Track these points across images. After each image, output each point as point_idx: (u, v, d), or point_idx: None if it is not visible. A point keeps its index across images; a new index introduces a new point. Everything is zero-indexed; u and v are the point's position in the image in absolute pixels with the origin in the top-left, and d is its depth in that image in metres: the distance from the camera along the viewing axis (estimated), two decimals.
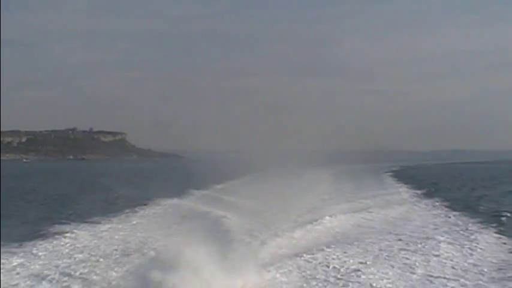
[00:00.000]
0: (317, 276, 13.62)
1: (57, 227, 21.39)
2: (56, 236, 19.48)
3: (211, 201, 30.83)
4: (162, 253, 13.79)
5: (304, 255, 15.68)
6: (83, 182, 56.46)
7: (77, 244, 18.25)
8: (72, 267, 14.85)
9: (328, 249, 16.56)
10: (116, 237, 19.65)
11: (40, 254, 16.60)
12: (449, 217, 24.33)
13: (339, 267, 14.48)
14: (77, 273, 14.18)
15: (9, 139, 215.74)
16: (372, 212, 25.69)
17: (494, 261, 15.44)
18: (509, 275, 13.81)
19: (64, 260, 15.75)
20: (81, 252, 16.81)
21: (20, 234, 19.55)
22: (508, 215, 23.81)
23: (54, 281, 13.50)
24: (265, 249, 16.83)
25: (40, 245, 17.93)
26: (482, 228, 20.66)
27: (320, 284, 13.01)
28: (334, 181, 48.27)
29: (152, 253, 16.29)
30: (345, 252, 16.23)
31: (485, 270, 14.37)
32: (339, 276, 13.64)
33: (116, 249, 17.23)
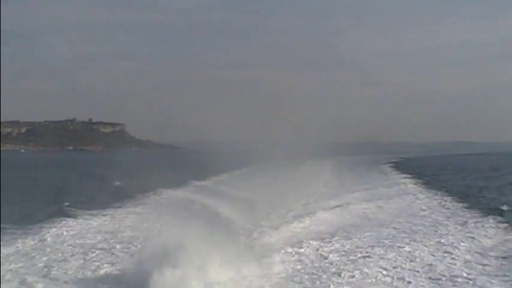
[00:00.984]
0: (316, 267, 13.51)
1: (56, 218, 21.27)
2: (53, 227, 19.39)
3: (210, 193, 30.70)
4: (160, 244, 13.63)
5: (303, 246, 15.55)
6: (81, 173, 56.35)
7: (75, 235, 18.16)
8: (69, 259, 14.74)
9: (328, 241, 16.45)
10: (114, 228, 19.55)
11: (37, 244, 16.51)
12: (450, 208, 24.24)
13: (339, 258, 14.36)
14: (74, 265, 14.06)
15: (8, 130, 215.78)
16: (372, 203, 25.58)
17: (496, 251, 15.30)
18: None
19: (61, 252, 15.62)
20: (80, 244, 16.69)
21: (16, 225, 19.42)
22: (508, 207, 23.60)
23: (51, 273, 13.37)
24: (264, 240, 16.75)
25: (34, 235, 17.83)
26: (485, 218, 20.53)
27: (320, 274, 12.88)
28: (334, 173, 48.17)
29: (150, 244, 16.15)
30: (344, 244, 16.11)
31: (488, 261, 14.25)
32: (339, 267, 13.51)
33: (114, 241, 17.11)
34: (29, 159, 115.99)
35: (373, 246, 15.85)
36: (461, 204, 25.09)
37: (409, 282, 12.35)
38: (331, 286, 12.06)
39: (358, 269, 13.25)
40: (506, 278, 12.59)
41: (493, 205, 24.43)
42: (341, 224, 20.09)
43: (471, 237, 17.09)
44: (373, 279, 12.52)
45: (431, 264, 13.84)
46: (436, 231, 18.26)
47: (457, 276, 12.79)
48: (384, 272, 13.06)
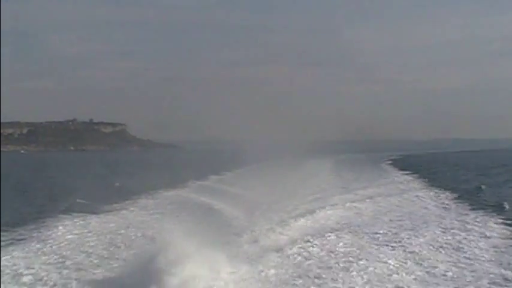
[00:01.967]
0: (317, 265, 13.47)
1: (56, 218, 21.29)
2: (54, 227, 19.39)
3: (212, 192, 30.65)
4: (162, 244, 13.58)
5: (304, 244, 15.53)
6: (82, 173, 56.24)
7: (76, 235, 18.12)
8: (70, 258, 14.71)
9: (329, 238, 16.43)
10: (115, 228, 19.50)
11: (38, 245, 16.47)
12: (451, 205, 24.18)
13: (340, 255, 14.34)
14: (75, 265, 14.02)
15: (10, 131, 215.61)
16: (372, 201, 25.53)
17: (497, 248, 15.23)
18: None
19: (62, 251, 15.60)
20: (81, 244, 16.65)
21: (18, 225, 19.39)
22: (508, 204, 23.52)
23: (52, 272, 13.34)
24: (266, 238, 16.66)
25: (38, 235, 17.82)
26: (485, 215, 20.50)
27: (320, 272, 12.86)
28: (334, 171, 48.06)
29: (152, 244, 16.14)
30: (345, 241, 16.10)
31: (488, 257, 14.22)
32: (339, 264, 13.49)
33: (115, 240, 17.10)
34: (29, 159, 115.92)
35: (374, 243, 15.85)
36: (461, 201, 25.05)
37: (414, 279, 12.32)
38: (335, 283, 12.03)
39: (360, 266, 13.24)
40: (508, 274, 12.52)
41: (494, 202, 24.36)
42: (343, 221, 20.05)
43: (472, 234, 17.05)
44: (375, 276, 12.49)
45: (432, 260, 13.82)
46: (437, 227, 18.22)
47: (458, 272, 12.78)
48: (386, 269, 13.03)
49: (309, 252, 14.77)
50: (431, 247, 15.35)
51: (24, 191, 35.70)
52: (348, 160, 64.13)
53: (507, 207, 22.31)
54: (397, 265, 13.46)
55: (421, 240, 16.22)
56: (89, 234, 18.21)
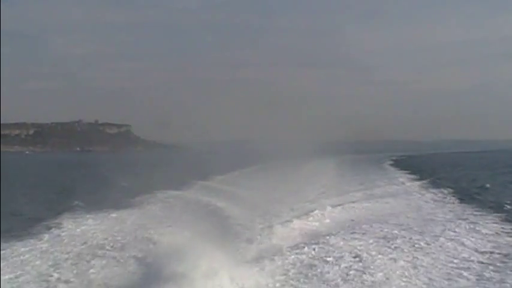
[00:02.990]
0: (319, 266, 13.31)
1: (60, 218, 21.19)
2: (58, 228, 19.33)
3: (215, 192, 30.53)
4: (166, 245, 13.47)
5: (305, 245, 15.39)
6: (88, 174, 56.27)
7: (81, 235, 18.05)
8: (75, 259, 14.63)
9: (330, 239, 16.25)
10: (119, 228, 19.41)
11: (42, 245, 16.40)
12: (453, 205, 24.00)
13: (341, 257, 14.15)
14: (80, 265, 13.92)
15: (16, 131, 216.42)
16: (373, 202, 25.36)
17: (500, 249, 15.04)
18: None
19: (67, 252, 15.51)
20: (86, 244, 16.57)
21: (20, 226, 19.35)
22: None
23: (56, 272, 13.24)
24: (269, 239, 16.52)
25: (41, 235, 17.77)
26: (488, 217, 20.30)
27: (326, 273, 12.71)
28: (336, 171, 47.92)
29: (154, 244, 16.05)
30: (347, 242, 15.92)
31: (491, 259, 14.04)
32: (341, 265, 13.33)
33: (119, 241, 16.97)
34: (35, 160, 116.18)
35: (377, 244, 15.68)
36: (464, 202, 24.87)
37: (416, 279, 12.15)
38: (336, 284, 11.86)
39: (365, 267, 13.09)
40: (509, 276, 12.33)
41: (497, 203, 24.14)
42: (346, 222, 19.89)
43: (474, 236, 16.87)
44: (380, 277, 12.32)
45: (434, 262, 13.63)
46: (441, 229, 18.03)
47: (460, 274, 12.60)
48: (390, 270, 12.87)
49: (311, 252, 14.61)
50: (434, 247, 15.17)
51: (26, 191, 35.65)
52: (350, 161, 63.97)
53: (510, 207, 22.11)
54: (401, 266, 13.30)
55: (424, 241, 16.04)
56: (94, 235, 18.10)
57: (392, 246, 15.38)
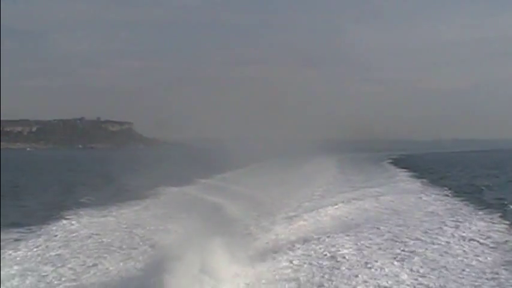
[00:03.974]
0: (318, 265, 13.19)
1: (62, 215, 21.12)
2: (60, 224, 19.23)
3: (216, 190, 30.47)
4: (167, 242, 13.36)
5: (306, 243, 15.27)
6: (89, 170, 56.27)
7: (82, 232, 17.97)
8: (77, 255, 14.52)
9: (330, 238, 16.11)
10: (121, 225, 19.36)
11: (44, 242, 16.33)
12: (452, 204, 23.86)
13: (340, 255, 14.03)
14: (81, 262, 13.82)
15: (19, 128, 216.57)
16: (373, 200, 25.20)
17: (499, 249, 14.86)
18: None
19: (69, 249, 15.43)
20: (87, 241, 16.50)
21: (23, 222, 19.28)
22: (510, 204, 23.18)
23: (56, 270, 13.16)
24: (270, 237, 16.43)
25: (44, 232, 17.69)
26: (487, 216, 20.16)
27: (328, 270, 12.61)
28: (336, 170, 47.79)
29: (155, 240, 15.98)
30: (346, 241, 15.78)
31: (490, 257, 13.87)
32: (340, 264, 13.20)
33: (121, 238, 16.91)
34: (36, 156, 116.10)
35: (378, 242, 15.57)
36: (463, 200, 24.71)
37: (415, 279, 12.04)
38: (339, 282, 11.76)
39: (365, 265, 12.98)
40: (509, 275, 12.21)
41: (496, 202, 24.02)
42: (343, 221, 19.75)
43: (473, 234, 16.69)
44: (379, 275, 12.22)
45: (434, 260, 13.51)
46: (440, 228, 17.87)
47: (459, 273, 12.48)
48: (389, 268, 12.76)
49: (312, 251, 14.50)
50: (433, 247, 15.02)
51: (28, 188, 35.60)
52: (350, 159, 63.85)
53: (510, 207, 21.99)
54: (400, 265, 13.18)
55: (424, 240, 15.91)
56: (96, 231, 18.04)
57: (392, 245, 15.24)
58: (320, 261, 13.49)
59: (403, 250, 14.64)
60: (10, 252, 14.93)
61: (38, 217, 20.74)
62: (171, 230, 17.73)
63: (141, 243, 16.12)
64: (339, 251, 14.53)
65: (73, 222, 19.74)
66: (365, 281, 11.88)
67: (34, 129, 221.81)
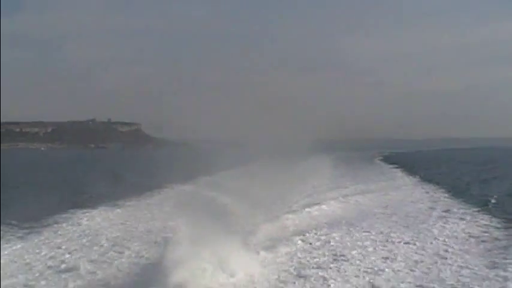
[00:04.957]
0: (314, 260, 13.02)
1: (68, 212, 20.93)
2: (65, 222, 19.03)
3: (217, 187, 30.33)
4: (170, 239, 13.22)
5: (302, 239, 15.10)
6: (100, 169, 56.19)
7: (85, 230, 17.74)
8: (78, 254, 14.25)
9: (326, 233, 15.95)
10: (124, 223, 19.13)
11: (48, 240, 16.09)
12: (442, 200, 23.70)
13: (336, 250, 13.87)
14: (83, 260, 13.54)
15: (35, 129, 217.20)
16: (366, 197, 25.08)
17: (485, 244, 14.71)
18: (502, 256, 13.11)
19: (76, 245, 15.24)
20: (95, 238, 16.32)
21: (29, 220, 19.07)
22: (495, 200, 23.01)
23: (60, 268, 12.95)
24: (267, 233, 16.26)
25: (48, 230, 17.53)
26: (474, 211, 20.01)
27: (321, 266, 12.43)
28: (330, 168, 47.65)
29: (159, 238, 15.84)
30: (339, 236, 15.61)
31: (478, 251, 13.73)
32: (336, 259, 13.04)
33: (125, 235, 16.69)
34: (49, 156, 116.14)
35: (368, 238, 15.39)
36: (450, 197, 24.56)
37: (406, 273, 11.89)
38: (329, 278, 11.61)
39: (354, 261, 12.80)
40: (492, 272, 12.02)
41: (482, 198, 23.83)
42: (337, 217, 19.53)
43: (462, 230, 16.57)
44: (371, 270, 12.05)
45: (422, 255, 13.33)
46: (430, 223, 17.74)
47: (449, 267, 12.31)
48: (378, 264, 12.60)
49: (307, 247, 14.36)
50: (421, 242, 14.84)
51: (39, 185, 35.48)
52: (342, 158, 63.66)
53: (494, 202, 21.85)
54: (389, 260, 12.95)
55: (414, 235, 15.71)
56: (103, 228, 17.87)
57: (384, 240, 15.08)
58: (313, 257, 13.31)
59: (394, 246, 14.44)
60: (16, 247, 14.76)
61: (48, 214, 20.52)
62: (180, 225, 17.54)
63: (147, 239, 15.98)
64: (330, 246, 14.37)
65: (85, 218, 19.57)
66: (356, 276, 11.72)
67: (49, 130, 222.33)
